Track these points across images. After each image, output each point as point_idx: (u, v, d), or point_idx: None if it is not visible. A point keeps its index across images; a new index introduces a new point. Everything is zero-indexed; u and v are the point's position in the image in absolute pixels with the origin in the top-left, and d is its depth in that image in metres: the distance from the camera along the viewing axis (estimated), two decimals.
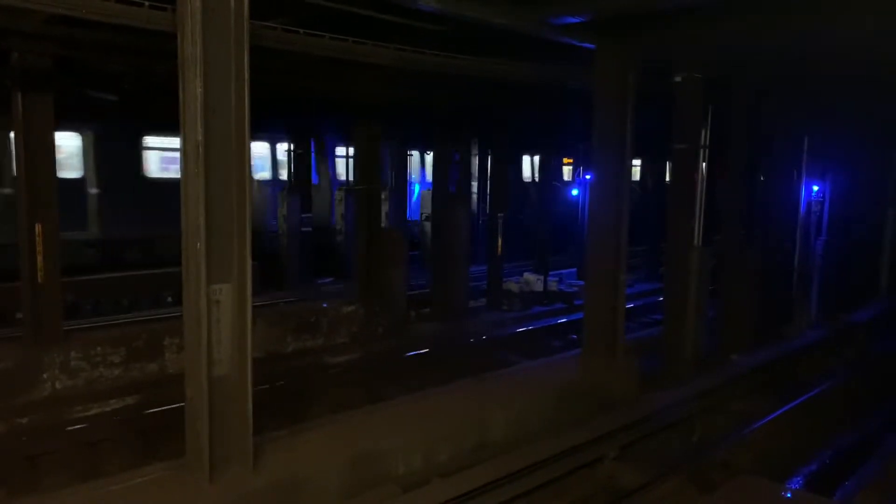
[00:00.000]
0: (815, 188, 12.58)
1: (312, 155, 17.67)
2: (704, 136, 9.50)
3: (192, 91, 4.70)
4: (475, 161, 18.56)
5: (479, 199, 19.64)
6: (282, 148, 17.08)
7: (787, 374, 10.42)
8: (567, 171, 23.70)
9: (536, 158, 21.99)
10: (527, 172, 22.81)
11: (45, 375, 8.63)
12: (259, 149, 16.53)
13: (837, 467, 7.24)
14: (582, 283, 13.13)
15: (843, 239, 13.61)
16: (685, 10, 6.88)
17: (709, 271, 9.73)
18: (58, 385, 8.71)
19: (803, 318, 12.56)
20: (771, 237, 11.98)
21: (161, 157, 14.18)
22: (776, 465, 7.17)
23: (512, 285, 15.18)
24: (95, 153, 13.19)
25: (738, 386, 9.44)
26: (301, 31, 7.15)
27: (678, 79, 9.16)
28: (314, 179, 17.99)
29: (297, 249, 15.33)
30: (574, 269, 17.17)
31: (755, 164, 11.71)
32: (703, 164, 9.52)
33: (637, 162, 22.54)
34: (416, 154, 20.62)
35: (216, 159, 4.81)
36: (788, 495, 5.35)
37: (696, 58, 8.99)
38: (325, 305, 11.80)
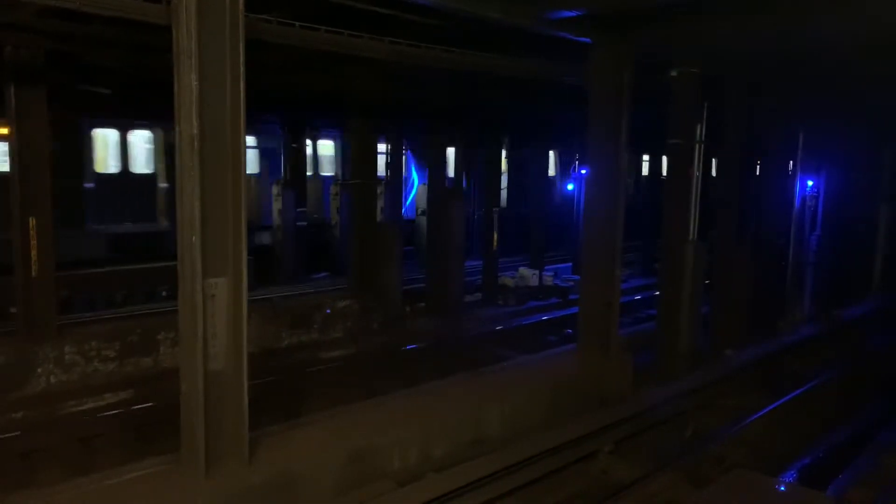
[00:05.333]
0: (810, 183, 12.61)
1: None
2: (700, 132, 9.51)
3: (187, 84, 4.67)
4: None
5: (473, 193, 19.64)
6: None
7: (780, 369, 10.47)
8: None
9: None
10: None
11: (38, 370, 8.61)
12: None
13: (831, 461, 7.27)
14: (577, 277, 13.15)
15: (837, 234, 13.66)
16: (681, 5, 6.87)
17: (703, 266, 9.75)
18: (52, 380, 8.69)
19: (797, 313, 12.62)
20: (765, 232, 12.02)
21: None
22: (770, 460, 7.20)
23: (507, 280, 15.20)
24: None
25: (731, 381, 9.47)
26: (297, 24, 7.10)
27: (674, 74, 9.17)
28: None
29: (292, 244, 15.29)
30: (569, 264, 17.20)
31: (750, 159, 11.73)
32: (699, 159, 9.53)
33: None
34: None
35: (211, 152, 4.78)
36: (782, 489, 5.37)
37: (691, 53, 8.99)
38: (320, 301, 11.79)
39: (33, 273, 8.73)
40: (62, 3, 5.54)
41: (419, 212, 17.95)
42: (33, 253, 8.68)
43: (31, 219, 8.66)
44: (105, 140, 13.80)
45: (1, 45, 8.41)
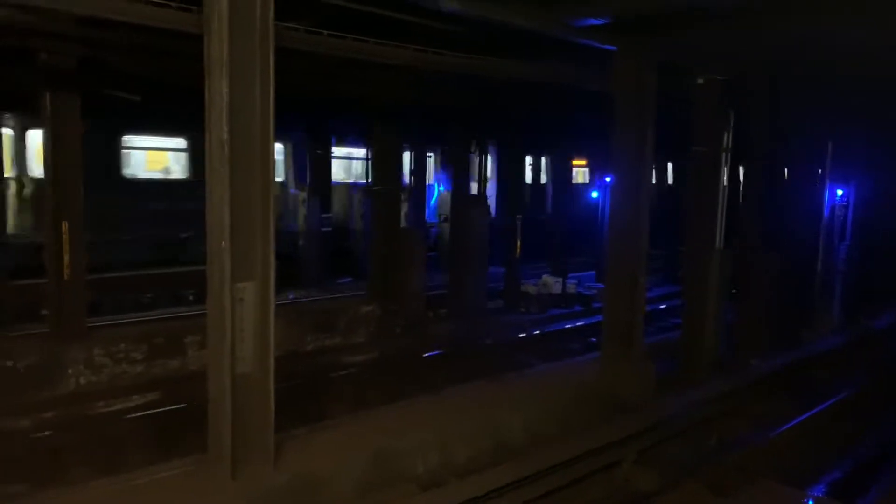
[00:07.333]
0: (840, 192, 12.44)
1: None
2: (727, 139, 9.43)
3: (218, 91, 4.76)
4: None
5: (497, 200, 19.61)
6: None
7: (806, 379, 10.32)
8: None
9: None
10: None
11: (69, 370, 8.77)
12: None
13: (860, 475, 7.15)
14: (601, 285, 13.08)
15: (867, 243, 13.44)
16: (706, 11, 6.83)
17: (728, 275, 9.65)
18: (81, 380, 8.85)
19: (824, 322, 12.43)
20: (792, 241, 11.86)
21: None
22: (795, 472, 7.10)
23: (530, 287, 15.14)
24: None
25: (756, 390, 9.36)
26: (325, 32, 7.19)
27: (700, 81, 9.12)
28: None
29: (317, 249, 15.39)
30: (593, 272, 17.09)
31: (777, 167, 11.60)
32: (725, 167, 9.44)
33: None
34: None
35: (241, 159, 4.87)
36: (810, 502, 5.30)
37: (716, 60, 8.93)
38: (344, 305, 11.87)
39: (65, 276, 8.90)
40: (105, 13, 5.68)
41: (441, 218, 17.96)
42: (65, 256, 8.86)
43: (63, 223, 8.84)
44: None
45: (36, 53, 8.61)
